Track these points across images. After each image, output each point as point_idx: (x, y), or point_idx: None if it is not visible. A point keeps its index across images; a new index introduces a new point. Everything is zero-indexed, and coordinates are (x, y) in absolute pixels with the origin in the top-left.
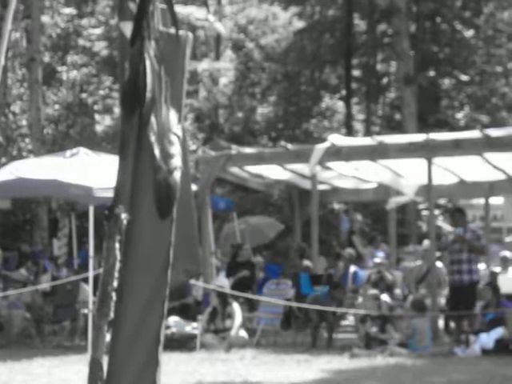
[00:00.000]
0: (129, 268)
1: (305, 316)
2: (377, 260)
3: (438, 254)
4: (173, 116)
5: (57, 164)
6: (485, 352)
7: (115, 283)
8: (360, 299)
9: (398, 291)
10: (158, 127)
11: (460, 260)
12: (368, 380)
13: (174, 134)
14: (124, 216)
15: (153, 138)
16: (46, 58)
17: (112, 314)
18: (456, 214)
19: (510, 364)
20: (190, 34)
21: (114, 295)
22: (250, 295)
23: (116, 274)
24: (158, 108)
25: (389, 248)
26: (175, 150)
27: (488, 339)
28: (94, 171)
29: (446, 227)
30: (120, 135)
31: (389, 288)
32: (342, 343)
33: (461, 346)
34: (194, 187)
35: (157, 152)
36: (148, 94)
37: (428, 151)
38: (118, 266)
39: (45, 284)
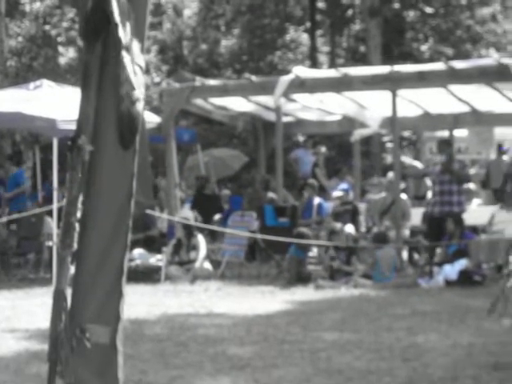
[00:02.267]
0: (92, 199)
1: (269, 248)
2: (337, 194)
3: (402, 185)
4: (135, 47)
5: (20, 96)
6: (448, 283)
7: (79, 214)
8: (324, 232)
9: (362, 223)
10: (121, 57)
11: (451, 191)
12: (332, 311)
13: (137, 64)
14: (87, 147)
15: (115, 69)
16: None
17: (75, 245)
18: (441, 144)
19: (473, 295)
20: None
21: (77, 226)
22: (214, 227)
23: (79, 205)
24: (121, 38)
25: (353, 180)
26: (138, 80)
27: (451, 270)
28: (57, 103)
29: (408, 160)
30: (82, 66)
31: (353, 219)
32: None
33: (424, 278)
34: (158, 119)
35: (119, 82)
36: (113, 23)
37: (392, 83)
38: (81, 197)
39: (8, 216)
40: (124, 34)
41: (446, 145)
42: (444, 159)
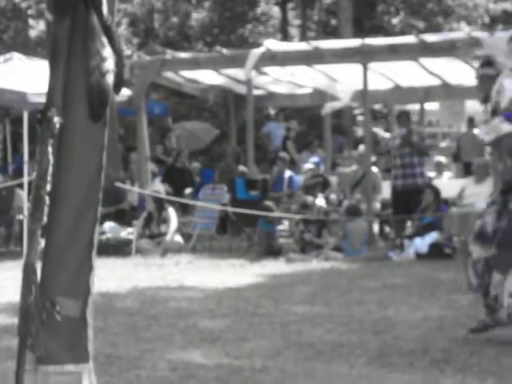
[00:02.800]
0: (62, 172)
1: (240, 221)
2: (308, 166)
3: (373, 158)
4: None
5: None
6: (419, 256)
7: (48, 187)
8: (295, 205)
9: (333, 196)
10: (90, 30)
11: (412, 163)
12: (303, 284)
13: (107, 36)
14: (57, 119)
15: (85, 42)
16: None
17: (45, 219)
18: (400, 118)
19: (443, 268)
20: None
21: (47, 199)
22: (185, 200)
23: (49, 178)
24: (90, 10)
25: (324, 153)
26: (107, 52)
27: (422, 243)
28: (28, 76)
29: (380, 133)
30: (51, 38)
31: (324, 192)
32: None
33: (395, 251)
34: (128, 92)
35: (89, 55)
36: None
37: (363, 56)
38: (51, 170)
39: None
40: (91, 8)
41: (404, 118)
42: (403, 132)
